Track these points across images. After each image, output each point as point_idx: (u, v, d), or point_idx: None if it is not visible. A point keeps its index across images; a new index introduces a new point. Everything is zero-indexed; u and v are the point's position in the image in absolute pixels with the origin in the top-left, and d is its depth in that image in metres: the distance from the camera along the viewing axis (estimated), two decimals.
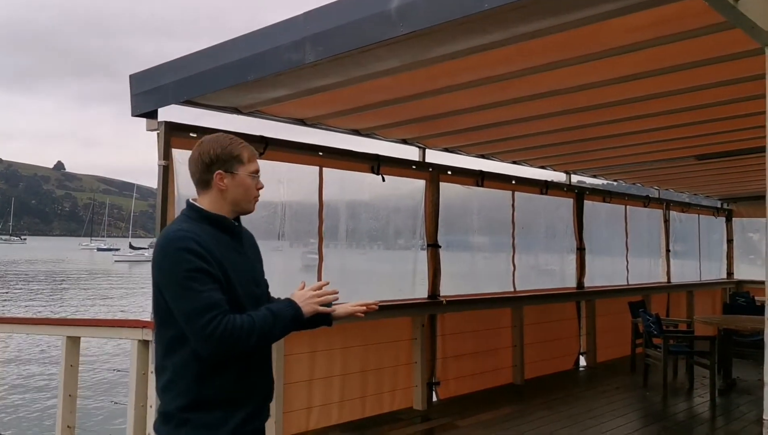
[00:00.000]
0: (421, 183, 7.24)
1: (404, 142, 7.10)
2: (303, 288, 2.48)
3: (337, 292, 2.50)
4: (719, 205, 13.91)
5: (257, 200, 2.48)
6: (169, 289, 2.23)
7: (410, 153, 7.26)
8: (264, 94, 5.12)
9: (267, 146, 5.62)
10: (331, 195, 6.30)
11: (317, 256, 6.19)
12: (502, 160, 8.43)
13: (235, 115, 5.65)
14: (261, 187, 2.48)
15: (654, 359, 8.28)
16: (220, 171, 2.35)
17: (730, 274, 14.10)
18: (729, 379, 8.38)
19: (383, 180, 6.66)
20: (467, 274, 8.07)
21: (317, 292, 2.43)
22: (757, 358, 9.30)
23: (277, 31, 4.14)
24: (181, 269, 2.20)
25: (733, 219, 14.19)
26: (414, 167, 7.14)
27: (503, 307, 8.17)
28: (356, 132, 6.54)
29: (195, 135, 5.10)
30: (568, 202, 9.47)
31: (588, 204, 9.70)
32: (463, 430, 6.25)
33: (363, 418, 6.50)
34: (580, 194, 9.56)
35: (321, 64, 4.10)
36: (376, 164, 6.64)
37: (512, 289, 8.35)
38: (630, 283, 10.67)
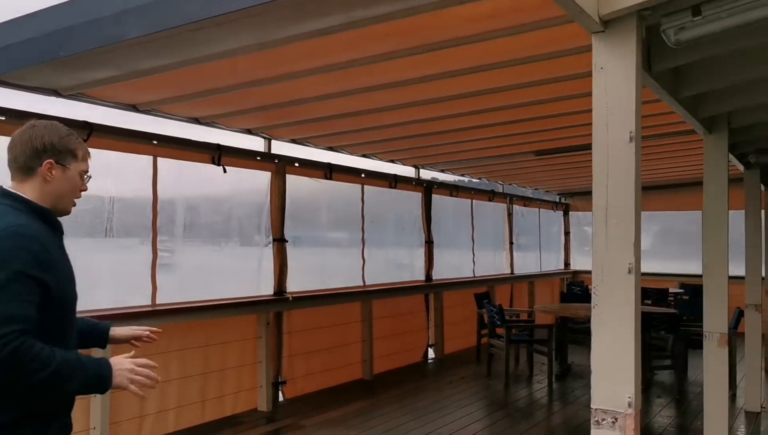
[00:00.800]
0: (266, 175, 6.96)
1: (248, 132, 6.78)
2: (131, 356, 2.23)
3: (154, 367, 2.24)
4: (557, 200, 14.68)
5: (75, 205, 2.25)
6: None
7: (255, 144, 6.96)
8: (86, 75, 4.63)
9: (91, 132, 5.13)
10: (167, 187, 5.87)
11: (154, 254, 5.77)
12: (351, 153, 8.32)
13: (54, 98, 5.10)
14: (85, 190, 2.26)
15: (497, 349, 8.53)
16: (50, 160, 2.13)
17: (567, 264, 14.95)
18: (565, 365, 8.80)
19: (224, 171, 6.32)
20: (316, 270, 7.90)
21: (139, 369, 2.17)
22: (585, 342, 9.89)
23: (93, 1, 3.72)
24: (11, 269, 1.92)
25: (570, 212, 15.05)
26: (259, 158, 6.84)
27: (352, 301, 8.07)
28: (195, 120, 6.14)
29: (3, 118, 4.54)
30: (416, 196, 9.54)
31: (436, 198, 9.83)
32: (308, 430, 6.06)
33: (203, 423, 6.15)
34: (428, 188, 9.67)
35: (148, 41, 3.73)
36: (218, 154, 6.29)
37: (362, 284, 8.28)
38: (476, 275, 10.97)
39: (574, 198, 14.90)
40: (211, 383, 6.26)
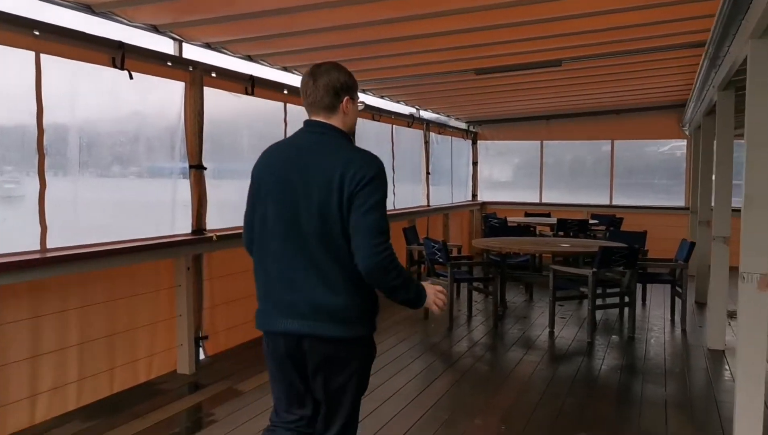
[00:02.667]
0: (179, 86, 5.58)
1: (155, 29, 5.36)
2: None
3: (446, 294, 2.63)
4: (466, 128, 13.98)
5: None
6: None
7: (164, 46, 5.55)
8: None
9: None
10: (55, 96, 4.41)
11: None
12: (272, 65, 7.05)
13: None
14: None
15: None
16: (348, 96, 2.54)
17: (474, 196, 14.42)
18: (504, 304, 8.19)
19: (131, 77, 4.91)
20: (236, 203, 6.62)
21: (440, 293, 2.57)
22: (523, 279, 9.38)
23: None
24: (385, 190, 2.41)
25: (478, 142, 14.44)
26: (170, 64, 5.44)
27: None
28: (87, 7, 4.67)
29: None
30: None
31: (360, 122, 8.72)
32: (248, 397, 4.99)
33: (112, 395, 4.92)
34: None
35: None
36: (120, 54, 4.85)
37: None
38: (396, 207, 10.08)
39: (483, 126, 14.27)
40: (120, 346, 5.01)
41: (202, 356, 5.91)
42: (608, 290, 7.60)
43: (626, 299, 7.05)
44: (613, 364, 5.99)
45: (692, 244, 7.49)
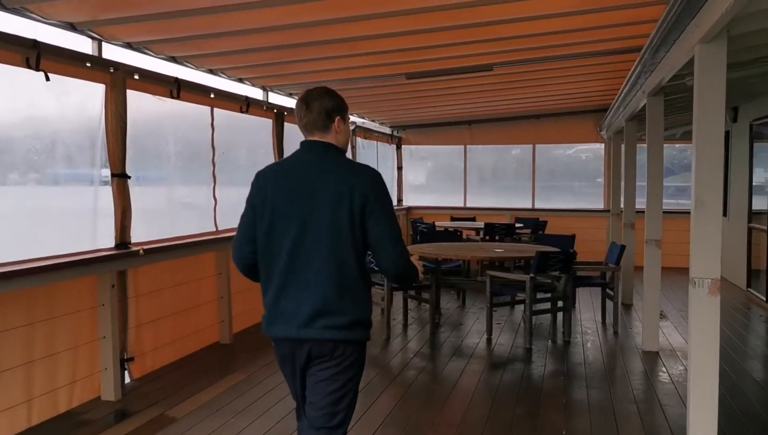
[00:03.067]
0: (99, 88, 5.16)
1: (72, 27, 4.93)
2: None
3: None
4: (391, 133, 13.88)
5: None
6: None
7: (83, 46, 5.12)
8: None
9: None
10: None
11: None
12: (197, 68, 6.68)
13: None
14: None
15: (375, 297, 7.58)
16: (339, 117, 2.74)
17: (400, 201, 14.33)
18: (439, 311, 8.09)
19: (47, 78, 4.48)
20: (161, 213, 6.25)
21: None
22: (458, 285, 9.30)
23: None
24: (390, 199, 2.69)
25: (403, 146, 14.37)
26: (89, 64, 5.02)
27: (207, 251, 6.56)
28: None
29: None
30: (268, 124, 8.10)
31: (288, 127, 8.45)
32: (183, 423, 4.63)
33: (30, 428, 4.47)
34: (279, 115, 8.25)
35: None
36: (34, 54, 4.42)
37: (214, 229, 6.78)
38: None
39: (407, 131, 14.21)
40: (38, 374, 4.56)
41: (127, 380, 5.49)
42: (541, 295, 7.59)
43: (561, 304, 7.07)
44: (556, 369, 5.97)
45: (622, 247, 7.60)
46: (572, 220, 12.74)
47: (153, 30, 5.41)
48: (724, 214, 11.28)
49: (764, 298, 8.74)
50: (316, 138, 2.69)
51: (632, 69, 6.24)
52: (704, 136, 3.89)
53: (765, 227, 9.01)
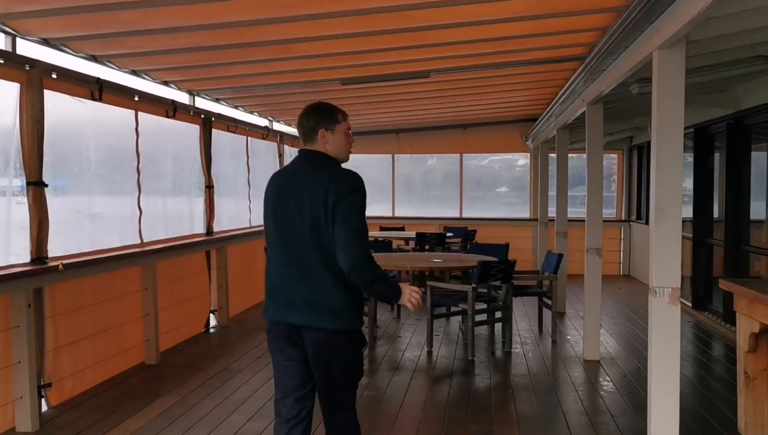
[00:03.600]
0: (13, 88, 4.68)
1: None
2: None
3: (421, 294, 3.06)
4: None
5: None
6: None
7: None
8: None
9: None
10: None
11: None
12: (119, 68, 6.22)
13: None
14: (353, 141, 3.17)
15: None
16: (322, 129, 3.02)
17: None
18: (376, 324, 7.85)
19: None
20: (81, 225, 5.74)
21: (415, 293, 2.98)
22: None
23: None
24: (365, 200, 2.96)
25: None
26: (2, 61, 4.54)
27: (132, 265, 6.09)
28: None
29: None
30: (195, 130, 7.67)
31: (215, 134, 8.05)
32: None
33: None
34: (207, 121, 7.84)
35: None
36: None
37: (139, 241, 6.31)
38: (253, 225, 9.44)
39: None
40: None
41: (45, 408, 4.99)
42: (479, 305, 7.48)
43: (499, 314, 6.97)
44: (502, 382, 5.84)
45: (560, 256, 7.60)
46: (500, 229, 12.82)
47: (72, 25, 5.00)
48: (647, 221, 11.60)
49: (690, 304, 8.95)
50: (308, 147, 3.04)
51: (573, 77, 6.22)
52: (664, 143, 3.83)
53: (685, 234, 9.26)
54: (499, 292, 7.05)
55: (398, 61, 6.86)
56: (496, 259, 7.04)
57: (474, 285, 6.51)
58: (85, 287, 5.49)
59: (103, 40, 5.44)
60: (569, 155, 9.15)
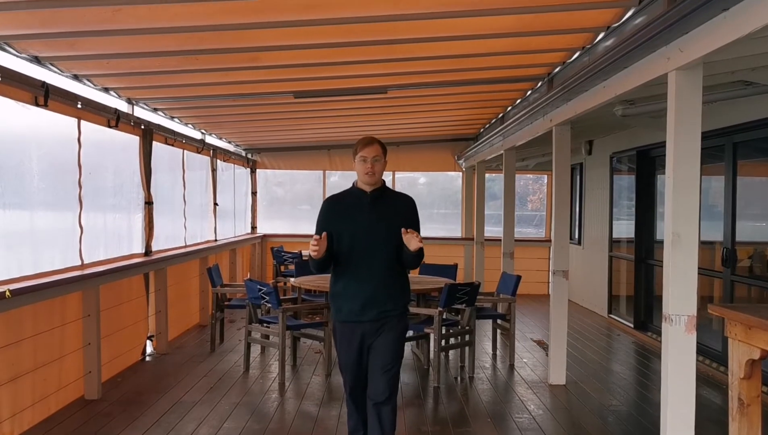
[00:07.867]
0: None
1: None
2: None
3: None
4: (245, 155, 13.07)
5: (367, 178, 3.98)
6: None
7: None
8: None
9: None
10: None
11: None
12: (62, 72, 5.64)
13: None
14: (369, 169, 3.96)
15: (261, 338, 6.86)
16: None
17: (254, 228, 13.51)
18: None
19: None
20: (19, 244, 5.10)
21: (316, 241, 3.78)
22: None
23: None
24: None
25: (257, 170, 13.60)
26: None
27: (76, 289, 5.48)
28: None
29: None
30: (134, 142, 7.09)
31: (157, 146, 7.48)
32: None
33: None
34: (147, 132, 7.27)
35: None
36: None
37: (80, 263, 5.71)
38: (187, 243, 8.86)
39: (262, 154, 13.47)
40: None
41: None
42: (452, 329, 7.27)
43: (467, 338, 6.78)
44: (478, 411, 5.61)
45: (518, 278, 7.50)
46: (431, 249, 12.65)
47: (14, 21, 4.49)
48: (579, 242, 11.79)
49: (631, 325, 9.10)
50: None
51: (545, 97, 6.12)
52: (681, 166, 3.75)
53: (626, 256, 9.44)
54: (459, 316, 6.86)
55: (353, 76, 6.60)
56: (462, 282, 6.87)
57: (440, 309, 6.29)
58: (20, 316, 4.86)
59: (53, 40, 4.91)
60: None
